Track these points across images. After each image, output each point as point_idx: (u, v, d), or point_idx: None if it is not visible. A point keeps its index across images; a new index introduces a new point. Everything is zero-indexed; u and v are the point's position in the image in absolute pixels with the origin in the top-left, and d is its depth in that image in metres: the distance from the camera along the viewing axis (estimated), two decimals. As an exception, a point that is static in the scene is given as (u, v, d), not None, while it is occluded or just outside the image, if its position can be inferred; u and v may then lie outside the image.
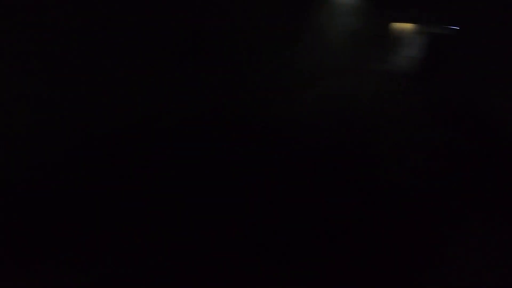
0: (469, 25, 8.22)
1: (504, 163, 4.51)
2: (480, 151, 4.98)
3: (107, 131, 2.63)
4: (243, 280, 2.12)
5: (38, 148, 2.10)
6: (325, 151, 4.29)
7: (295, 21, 6.54)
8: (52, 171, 2.25)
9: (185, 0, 3.30)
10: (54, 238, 2.20)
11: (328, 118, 5.83)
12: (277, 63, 6.32)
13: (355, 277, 2.26)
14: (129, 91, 2.74)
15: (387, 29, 13.85)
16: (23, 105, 1.94)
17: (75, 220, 2.37)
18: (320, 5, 7.55)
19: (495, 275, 2.40)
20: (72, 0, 2.03)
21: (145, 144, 3.24)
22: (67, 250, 2.11)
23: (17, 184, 2.07)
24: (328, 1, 8.12)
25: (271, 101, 6.56)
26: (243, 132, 4.59)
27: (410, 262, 2.47)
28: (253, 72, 5.44)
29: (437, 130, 5.85)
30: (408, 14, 12.38)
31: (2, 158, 1.96)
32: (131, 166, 3.05)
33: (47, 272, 1.96)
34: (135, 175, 3.01)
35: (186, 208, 2.72)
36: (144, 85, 2.94)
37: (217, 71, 4.29)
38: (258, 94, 5.90)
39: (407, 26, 17.43)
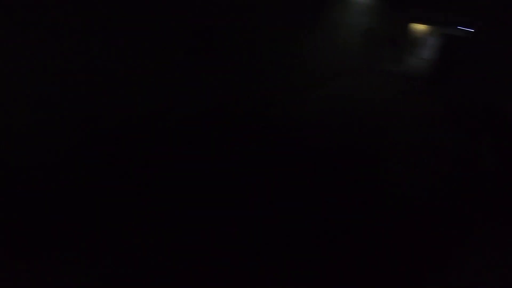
0: (486, 26, 8.01)
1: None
2: (500, 152, 4.88)
3: (112, 128, 2.66)
4: (248, 280, 2.06)
5: (38, 148, 2.13)
6: (335, 152, 4.24)
7: (309, 20, 6.52)
8: (52, 170, 2.29)
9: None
10: (58, 238, 2.21)
11: (337, 118, 5.76)
12: (289, 61, 6.30)
13: (372, 280, 2.22)
14: (137, 88, 2.79)
15: (402, 29, 13.70)
16: (28, 102, 1.99)
17: (77, 220, 2.38)
18: (334, 3, 7.51)
19: None
20: None
21: (150, 142, 3.27)
22: (67, 250, 2.11)
23: (17, 183, 2.11)
24: (342, 0, 8.06)
25: (282, 100, 6.54)
26: (252, 130, 4.58)
27: (425, 265, 2.42)
28: (264, 70, 5.45)
29: (452, 131, 5.77)
30: (424, 15, 12.18)
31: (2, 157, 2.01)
32: (137, 164, 3.07)
33: (47, 272, 1.95)
34: (140, 173, 3.03)
35: (192, 206, 2.70)
36: (154, 83, 2.99)
37: (227, 69, 4.32)
38: (269, 92, 5.90)
39: (423, 27, 17.15)
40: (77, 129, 2.34)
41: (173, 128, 3.59)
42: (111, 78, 2.60)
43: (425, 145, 4.87)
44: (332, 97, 7.41)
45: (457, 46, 9.63)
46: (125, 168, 2.88)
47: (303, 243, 2.45)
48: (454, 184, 3.69)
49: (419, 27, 16.98)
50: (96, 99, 2.54)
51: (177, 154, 3.56)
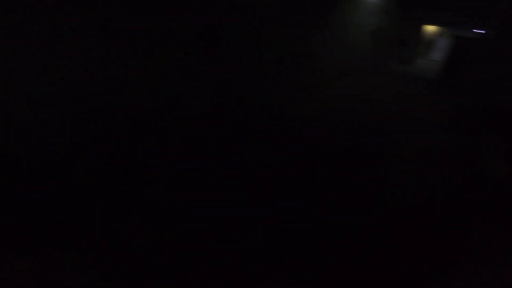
0: (498, 28, 7.86)
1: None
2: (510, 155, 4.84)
3: (113, 128, 2.66)
4: (248, 281, 2.04)
5: (38, 147, 2.14)
6: (343, 152, 4.22)
7: (318, 19, 6.47)
8: (52, 170, 2.29)
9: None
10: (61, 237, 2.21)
11: (345, 119, 5.71)
12: (298, 61, 6.27)
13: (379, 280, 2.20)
14: (143, 84, 2.78)
15: (413, 30, 13.53)
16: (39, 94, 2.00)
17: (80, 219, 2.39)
18: (345, 3, 7.43)
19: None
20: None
21: (156, 140, 3.27)
22: (67, 250, 2.11)
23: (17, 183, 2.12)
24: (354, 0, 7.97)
25: (290, 99, 6.51)
26: (261, 130, 4.58)
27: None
28: (272, 70, 5.42)
29: (461, 133, 5.72)
30: (434, 16, 11.98)
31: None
32: (140, 164, 3.07)
33: (47, 272, 1.95)
34: (144, 171, 3.03)
35: (199, 204, 2.69)
36: (164, 80, 2.99)
37: (235, 67, 4.31)
38: (277, 92, 5.87)
39: (434, 28, 16.89)
40: (77, 128, 2.34)
41: (181, 126, 3.58)
42: (119, 76, 2.60)
43: (435, 147, 4.81)
44: (340, 97, 7.34)
45: (468, 47, 9.45)
46: (128, 167, 2.88)
47: (319, 244, 2.44)
48: (463, 186, 3.64)
49: (430, 28, 16.73)
50: (108, 98, 2.54)
51: (186, 153, 3.56)
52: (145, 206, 2.62)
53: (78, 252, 2.10)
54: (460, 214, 3.08)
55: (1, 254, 2.01)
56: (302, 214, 2.81)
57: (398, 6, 11.66)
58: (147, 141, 3.11)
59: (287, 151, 4.02)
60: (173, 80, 3.29)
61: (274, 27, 5.00)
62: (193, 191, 2.93)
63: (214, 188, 3.03)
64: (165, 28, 2.99)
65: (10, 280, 1.86)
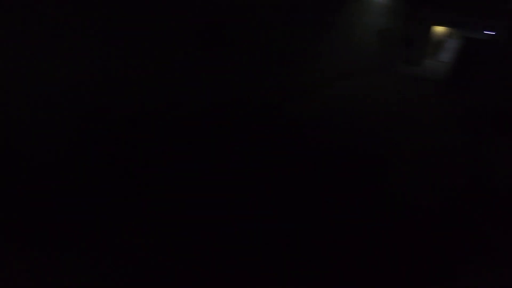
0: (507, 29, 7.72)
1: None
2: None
3: (114, 127, 2.66)
4: (248, 280, 2.01)
5: (38, 147, 2.14)
6: (348, 153, 4.18)
7: (326, 19, 6.42)
8: (52, 169, 2.30)
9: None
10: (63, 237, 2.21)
11: (350, 119, 5.67)
12: (304, 60, 6.23)
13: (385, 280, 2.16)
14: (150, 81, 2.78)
15: (421, 31, 13.35)
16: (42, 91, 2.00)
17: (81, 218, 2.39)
18: (352, 3, 7.36)
19: None
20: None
21: (160, 139, 3.27)
22: (67, 250, 2.11)
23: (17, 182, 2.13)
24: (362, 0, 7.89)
25: (296, 98, 6.47)
26: (266, 129, 4.56)
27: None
28: (278, 69, 5.39)
29: (470, 134, 5.66)
30: (443, 17, 11.80)
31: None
32: (145, 163, 3.07)
33: (47, 272, 1.95)
34: (144, 171, 3.03)
35: (205, 202, 2.68)
36: (169, 78, 2.98)
37: (241, 66, 4.29)
38: (283, 91, 5.84)
39: (442, 29, 16.67)
40: (77, 127, 2.34)
41: (181, 126, 3.57)
42: (120, 76, 2.60)
43: (442, 148, 4.75)
44: (346, 97, 7.28)
45: (477, 49, 9.30)
46: (128, 167, 2.88)
47: (319, 244, 2.41)
48: (470, 187, 3.59)
49: (439, 29, 16.54)
50: (110, 97, 2.54)
51: (186, 153, 3.55)
52: (145, 206, 2.62)
53: (78, 252, 2.09)
54: (466, 216, 3.03)
55: (1, 254, 2.01)
56: (302, 214, 2.78)
57: (406, 6, 11.52)
58: (147, 141, 3.11)
59: (288, 151, 3.99)
60: (173, 80, 3.28)
61: (281, 27, 4.97)
62: (193, 191, 2.92)
63: (214, 188, 3.01)
64: (166, 28, 2.98)
65: (10, 280, 1.86)
